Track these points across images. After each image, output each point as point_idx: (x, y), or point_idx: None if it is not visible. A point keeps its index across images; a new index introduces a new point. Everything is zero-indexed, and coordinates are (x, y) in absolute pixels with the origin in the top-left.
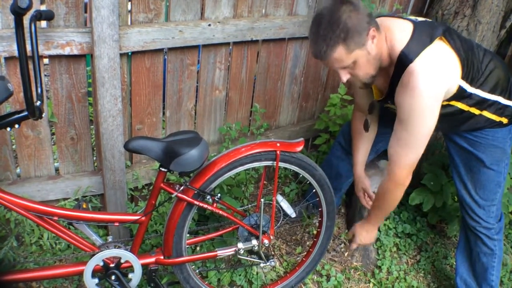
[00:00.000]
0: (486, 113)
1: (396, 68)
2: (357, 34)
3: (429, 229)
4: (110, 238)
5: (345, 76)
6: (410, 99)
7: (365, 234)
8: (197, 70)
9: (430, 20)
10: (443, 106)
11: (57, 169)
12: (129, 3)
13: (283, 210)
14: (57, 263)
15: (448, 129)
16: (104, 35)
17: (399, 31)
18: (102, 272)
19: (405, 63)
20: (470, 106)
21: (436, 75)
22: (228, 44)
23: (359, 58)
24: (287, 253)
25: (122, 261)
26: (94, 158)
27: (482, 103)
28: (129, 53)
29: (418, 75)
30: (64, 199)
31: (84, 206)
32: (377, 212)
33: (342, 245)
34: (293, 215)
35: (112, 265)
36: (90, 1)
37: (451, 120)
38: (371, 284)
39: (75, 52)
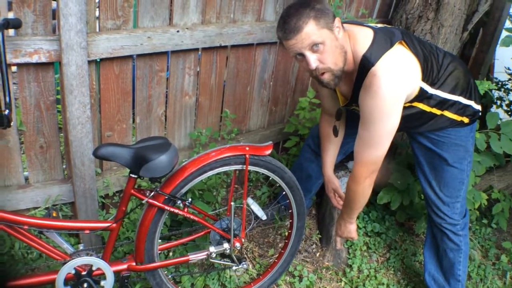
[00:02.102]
0: (447, 113)
1: (359, 71)
2: (326, 15)
3: (397, 227)
4: (81, 246)
5: (314, 62)
6: (372, 101)
7: (342, 228)
8: (166, 76)
9: (389, 26)
10: (406, 108)
11: (26, 178)
12: (97, 9)
13: (254, 213)
14: (29, 273)
15: (412, 129)
16: (72, 42)
17: (361, 37)
18: (74, 280)
19: (367, 67)
20: (432, 106)
21: (397, 77)
22: (197, 50)
23: (327, 40)
24: (260, 256)
25: (94, 268)
26: (64, 166)
27: (443, 104)
28: (98, 60)
29: (380, 77)
30: (35, 208)
31: (54, 214)
32: (346, 209)
33: (314, 245)
34: (264, 217)
35: (84, 273)
36: (58, 9)
37: (414, 121)
38: (342, 283)
39: (43, 60)
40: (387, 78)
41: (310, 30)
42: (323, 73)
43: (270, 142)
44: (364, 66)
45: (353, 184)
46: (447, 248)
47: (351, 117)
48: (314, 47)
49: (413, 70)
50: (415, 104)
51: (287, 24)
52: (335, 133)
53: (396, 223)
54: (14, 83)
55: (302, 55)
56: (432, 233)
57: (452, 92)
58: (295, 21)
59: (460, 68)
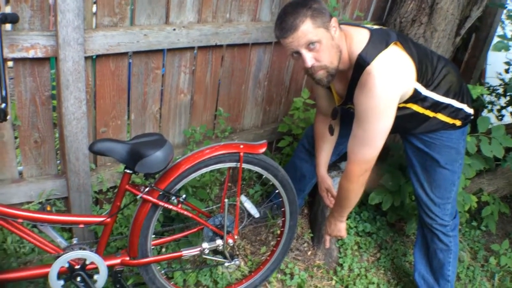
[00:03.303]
0: (440, 116)
1: (354, 70)
2: (322, 15)
3: (388, 228)
4: (75, 240)
5: (310, 60)
6: (367, 99)
7: (332, 226)
8: (162, 74)
9: (385, 27)
10: (400, 108)
11: (20, 173)
12: (94, 6)
13: (247, 211)
14: (21, 266)
15: (405, 131)
16: (69, 38)
17: (357, 37)
18: (68, 274)
19: (363, 66)
20: (425, 108)
21: (392, 76)
22: (193, 48)
23: (324, 39)
24: (252, 253)
25: (87, 262)
26: (58, 161)
27: (436, 106)
28: (94, 57)
29: (375, 76)
30: (28, 202)
31: (49, 208)
32: (338, 207)
33: (306, 244)
34: (257, 215)
35: (77, 266)
36: (56, 5)
37: (407, 122)
38: (333, 281)
39: (40, 55)
40: (382, 77)
41: (307, 28)
42: (317, 70)
43: (265, 140)
44: (360, 65)
45: (346, 182)
46: (437, 249)
47: (345, 118)
48: (310, 45)
49: (408, 70)
50: (409, 105)
51: (284, 22)
52: (331, 132)
53: (387, 224)
54: (10, 78)
55: (299, 53)
56: (423, 233)
57: (445, 95)
58: (292, 20)
59: (453, 72)
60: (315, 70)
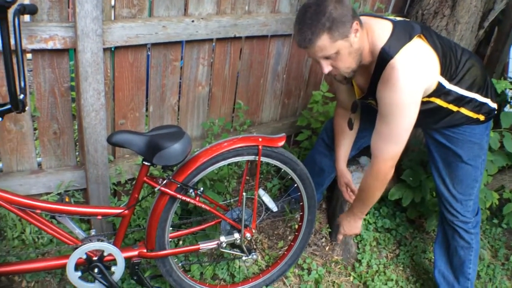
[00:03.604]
0: (463, 110)
1: (377, 64)
2: (342, 25)
3: (408, 224)
4: (93, 232)
5: (327, 68)
6: (390, 94)
7: (349, 224)
8: (180, 66)
9: (408, 19)
10: (423, 103)
11: (39, 164)
12: None
13: (265, 204)
14: (39, 257)
15: (428, 125)
16: (88, 29)
17: (379, 29)
18: (85, 265)
19: (386, 59)
20: (449, 102)
21: (416, 70)
22: (211, 40)
23: (342, 49)
24: (269, 247)
25: (105, 254)
26: (77, 152)
27: (460, 100)
28: (112, 48)
29: (399, 70)
30: (47, 193)
31: (67, 199)
32: (359, 204)
33: (323, 239)
34: (275, 209)
35: (95, 258)
36: None
37: (430, 117)
38: (351, 278)
39: (58, 46)
40: (405, 71)
41: (323, 44)
42: (335, 75)
43: (283, 134)
44: (383, 58)
45: (372, 180)
46: (458, 246)
47: (366, 111)
48: (327, 57)
49: (431, 64)
50: (432, 99)
51: (302, 34)
52: (350, 126)
53: (407, 220)
54: (29, 70)
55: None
56: (444, 230)
57: (469, 89)
58: (310, 34)
59: (478, 66)
60: (333, 74)
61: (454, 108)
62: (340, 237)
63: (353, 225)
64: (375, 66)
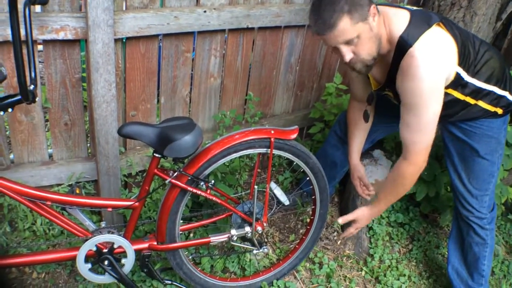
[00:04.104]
0: (481, 103)
1: (395, 53)
2: (360, 8)
3: (421, 219)
4: (103, 224)
5: (348, 54)
6: (412, 84)
7: (369, 218)
8: (192, 57)
9: (425, 9)
10: None
11: (50, 155)
12: None
13: (277, 198)
14: (50, 249)
15: (444, 118)
16: (99, 20)
17: (397, 18)
18: (95, 257)
19: (405, 48)
20: (466, 95)
21: (436, 58)
22: (223, 31)
23: (362, 33)
24: (280, 241)
25: (115, 246)
26: (88, 144)
27: (477, 93)
28: (124, 39)
29: (418, 59)
30: (58, 185)
31: (78, 191)
32: (390, 197)
33: (335, 233)
34: (287, 202)
35: (105, 250)
36: None
37: (447, 109)
38: (363, 272)
39: (70, 37)
40: (425, 59)
41: (344, 27)
42: (356, 63)
43: (296, 126)
44: (401, 47)
45: (409, 171)
46: (473, 242)
47: (380, 104)
48: (348, 42)
49: (451, 52)
50: (450, 91)
51: (320, 19)
52: (366, 118)
53: (420, 215)
54: (40, 62)
55: (336, 47)
56: (458, 225)
57: (487, 81)
58: (328, 18)
59: (496, 57)
60: (353, 63)
61: (472, 101)
62: (353, 230)
63: (370, 219)
64: (393, 55)
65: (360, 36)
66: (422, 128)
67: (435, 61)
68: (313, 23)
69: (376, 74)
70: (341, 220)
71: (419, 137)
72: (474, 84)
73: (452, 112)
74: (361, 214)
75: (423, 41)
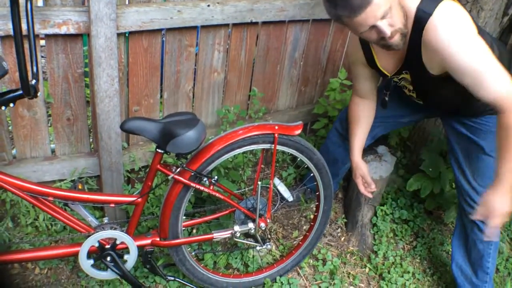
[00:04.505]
0: None
1: (414, 27)
2: None
3: (426, 216)
4: (106, 220)
5: (388, 28)
6: (447, 52)
7: (502, 200)
8: (195, 52)
9: None
10: (448, 78)
11: (53, 150)
12: None
13: (280, 194)
14: (52, 244)
15: (449, 111)
16: (101, 14)
17: None
18: (98, 253)
19: (424, 18)
20: None
21: (459, 20)
22: (227, 25)
23: (392, 2)
24: (284, 237)
25: (117, 242)
26: (91, 139)
27: None
28: (127, 33)
29: (440, 27)
30: (60, 180)
31: (80, 187)
32: (509, 165)
33: (339, 229)
34: (290, 199)
35: (107, 246)
36: None
37: (452, 99)
38: (367, 269)
39: (72, 31)
40: (449, 24)
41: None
42: (393, 36)
43: (300, 122)
44: (420, 19)
45: None
46: (477, 239)
47: (380, 100)
48: (384, 15)
49: (471, 22)
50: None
51: (351, 1)
52: (384, 105)
53: (425, 211)
54: (42, 56)
55: (374, 26)
56: (462, 223)
57: None
58: None
59: (504, 52)
60: (392, 36)
61: None
62: (498, 221)
63: (505, 201)
64: (412, 30)
65: (392, 7)
66: (493, 74)
67: (459, 22)
68: (343, 8)
69: (387, 61)
70: (477, 216)
71: (495, 81)
72: None
73: (457, 104)
74: (491, 203)
75: (442, 9)
